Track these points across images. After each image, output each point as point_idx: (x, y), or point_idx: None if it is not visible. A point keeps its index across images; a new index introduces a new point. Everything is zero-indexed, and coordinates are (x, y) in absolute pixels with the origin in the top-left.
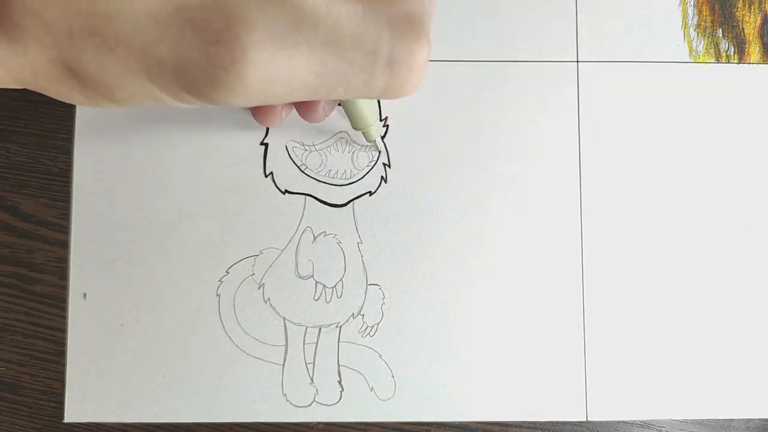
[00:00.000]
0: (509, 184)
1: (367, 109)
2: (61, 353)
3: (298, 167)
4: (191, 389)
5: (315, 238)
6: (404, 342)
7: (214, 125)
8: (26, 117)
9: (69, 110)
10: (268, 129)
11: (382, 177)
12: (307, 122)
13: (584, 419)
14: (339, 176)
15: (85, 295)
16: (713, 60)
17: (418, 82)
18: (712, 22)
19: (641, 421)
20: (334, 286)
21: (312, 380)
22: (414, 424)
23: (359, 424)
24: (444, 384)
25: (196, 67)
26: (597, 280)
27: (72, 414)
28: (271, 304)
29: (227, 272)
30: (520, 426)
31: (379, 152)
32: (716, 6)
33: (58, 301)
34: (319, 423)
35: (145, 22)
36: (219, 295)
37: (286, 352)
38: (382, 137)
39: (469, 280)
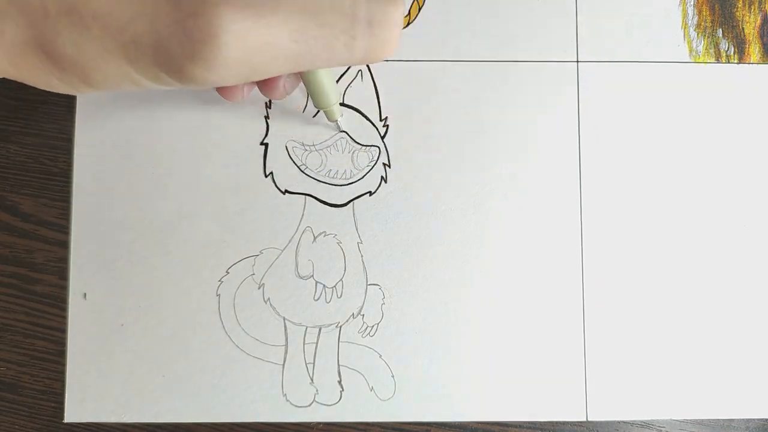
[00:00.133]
0: (509, 184)
1: (329, 86)
2: (61, 353)
3: (298, 167)
4: (191, 389)
5: (315, 238)
6: (404, 342)
7: (214, 125)
8: (26, 117)
9: (69, 110)
10: (268, 129)
11: (382, 177)
12: (306, 122)
13: (584, 419)
14: (339, 176)
15: (85, 295)
16: (713, 60)
17: (397, 42)
18: (712, 22)
19: (641, 421)
20: (334, 286)
21: (312, 380)
22: (414, 424)
23: (359, 424)
24: (444, 384)
25: (174, 43)
26: (597, 280)
27: (72, 414)
28: (271, 304)
29: (227, 272)
30: (520, 426)
31: (341, 131)
32: (716, 6)
33: (58, 301)
34: (319, 423)
35: None
36: (219, 295)
37: (286, 352)
38: (382, 137)
39: (469, 280)
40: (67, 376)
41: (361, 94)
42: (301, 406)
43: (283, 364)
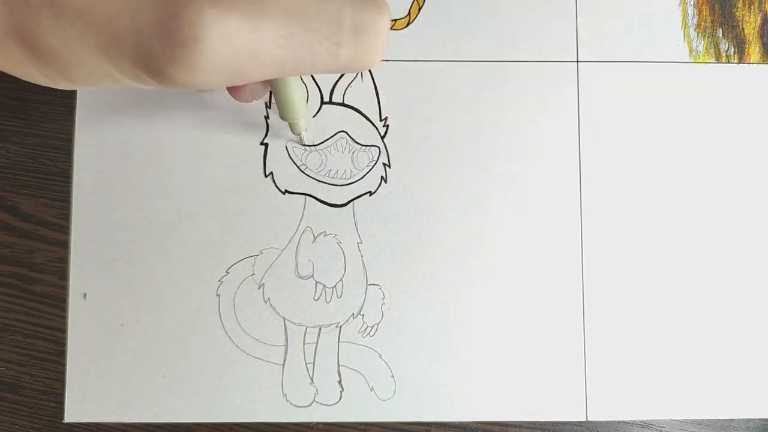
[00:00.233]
0: (509, 184)
1: (297, 99)
2: (61, 353)
3: (298, 167)
4: (191, 389)
5: (315, 238)
6: (404, 342)
7: (214, 125)
8: (26, 117)
9: (69, 110)
10: (267, 129)
11: (382, 177)
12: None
13: (584, 419)
14: (339, 176)
15: (85, 295)
16: (713, 60)
17: (383, 50)
18: (712, 22)
19: (641, 421)
20: (334, 286)
21: (312, 380)
22: (414, 424)
23: (359, 424)
24: (444, 384)
25: (155, 44)
26: (597, 280)
27: (72, 414)
28: (271, 304)
29: (227, 272)
30: (520, 426)
31: (305, 145)
32: (716, 6)
33: (58, 301)
34: (319, 423)
35: None
36: (219, 295)
37: (286, 352)
38: (382, 137)
39: (469, 280)
40: (67, 376)
41: (361, 94)
42: (301, 406)
43: (283, 364)
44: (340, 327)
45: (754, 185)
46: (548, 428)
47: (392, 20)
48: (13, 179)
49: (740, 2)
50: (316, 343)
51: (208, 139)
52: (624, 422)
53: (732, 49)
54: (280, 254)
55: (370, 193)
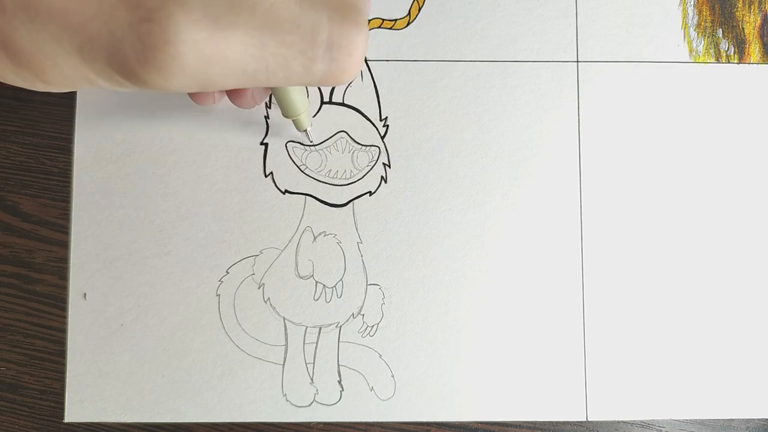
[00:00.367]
0: (509, 184)
1: (297, 96)
2: (61, 353)
3: (298, 167)
4: (191, 389)
5: (315, 238)
6: (404, 342)
7: (214, 125)
8: (26, 117)
9: (69, 110)
10: (267, 129)
11: (382, 177)
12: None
13: (584, 419)
14: (339, 176)
15: (85, 295)
16: (713, 60)
17: (357, 68)
18: (712, 22)
19: (641, 421)
20: (334, 286)
21: (312, 380)
22: (414, 424)
23: (359, 424)
24: (444, 384)
25: (127, 46)
26: (597, 280)
27: (72, 414)
28: (271, 304)
29: (227, 272)
30: (520, 426)
31: (311, 143)
32: (716, 6)
33: (58, 301)
34: (319, 423)
35: None
36: (219, 295)
37: (286, 352)
38: (382, 137)
39: (469, 280)
40: (67, 376)
41: (361, 94)
42: (301, 406)
43: (283, 364)
44: (340, 327)
45: (754, 185)
46: (548, 428)
47: (392, 20)
48: (13, 179)
49: (740, 2)
50: (316, 343)
51: (208, 139)
52: (624, 422)
53: (732, 49)
54: (280, 254)
55: (370, 193)
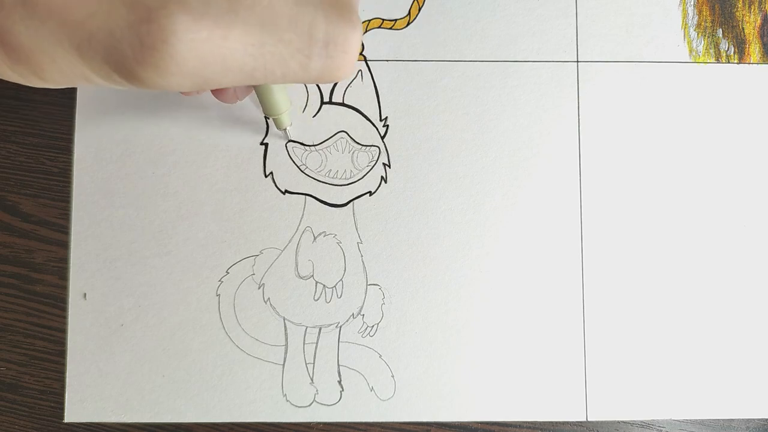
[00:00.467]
0: (509, 184)
1: (280, 95)
2: (61, 353)
3: (298, 167)
4: (191, 389)
5: (315, 238)
6: (404, 342)
7: (214, 125)
8: (26, 117)
9: (69, 110)
10: (267, 129)
11: (382, 177)
12: (306, 122)
13: (584, 419)
14: (339, 176)
15: (85, 295)
16: (713, 60)
17: (352, 64)
18: (712, 22)
19: (641, 421)
20: (334, 286)
21: (312, 380)
22: (414, 424)
23: (359, 424)
24: (444, 384)
25: (126, 46)
26: (597, 280)
27: (72, 414)
28: (271, 304)
29: (227, 272)
30: (520, 426)
31: (288, 141)
32: (716, 6)
33: (58, 301)
34: (319, 423)
35: None
36: (219, 295)
37: (286, 352)
38: (382, 137)
39: (469, 280)
40: (67, 376)
41: (361, 94)
42: (301, 406)
43: (283, 364)
44: (340, 327)
45: (754, 185)
46: (548, 428)
47: (392, 20)
48: (13, 179)
49: (740, 2)
50: (316, 343)
51: (208, 139)
52: (624, 422)
53: (732, 49)
54: (280, 254)
55: (370, 193)
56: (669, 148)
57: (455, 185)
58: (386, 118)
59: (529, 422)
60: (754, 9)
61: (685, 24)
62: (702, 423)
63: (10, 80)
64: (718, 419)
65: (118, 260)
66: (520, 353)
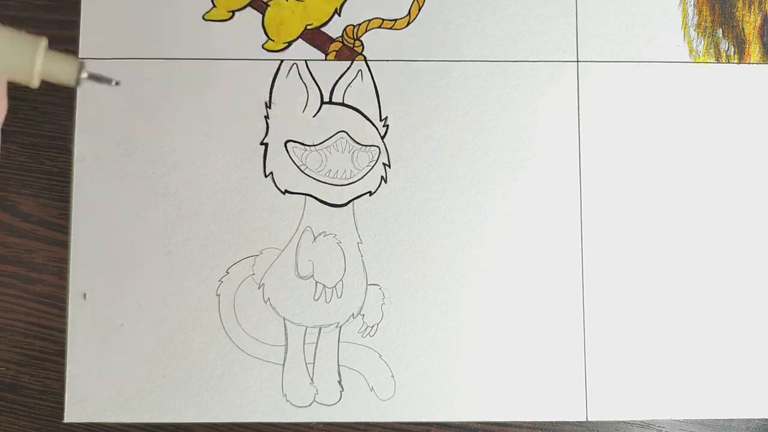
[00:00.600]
0: (509, 184)
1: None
2: (61, 353)
3: (298, 167)
4: (191, 389)
5: (315, 238)
6: (404, 342)
7: (214, 125)
8: (26, 117)
9: (69, 110)
10: (268, 129)
11: (382, 177)
12: (306, 122)
13: (584, 419)
14: (339, 176)
15: (85, 295)
16: (713, 60)
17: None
18: (712, 22)
19: (641, 421)
20: (334, 286)
21: (312, 380)
22: (414, 424)
23: (359, 424)
24: (444, 384)
25: None
26: (597, 281)
27: (72, 414)
28: (271, 304)
29: (227, 272)
30: (520, 426)
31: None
32: (716, 6)
33: (58, 301)
34: (319, 423)
35: None
36: (219, 295)
37: (286, 352)
38: (382, 137)
39: (469, 280)
40: (67, 376)
41: (361, 94)
42: (301, 406)
43: (283, 364)
44: (340, 327)
45: (753, 185)
46: (548, 428)
47: (392, 20)
48: (13, 179)
49: (740, 2)
50: (316, 343)
51: (208, 139)
52: (624, 422)
53: (732, 49)
54: (280, 254)
55: (370, 193)
56: (669, 148)
57: (455, 185)
58: (386, 118)
59: (529, 422)
60: (754, 9)
61: (685, 24)
62: (702, 423)
63: None
64: (718, 419)
65: (118, 260)
66: (520, 353)
